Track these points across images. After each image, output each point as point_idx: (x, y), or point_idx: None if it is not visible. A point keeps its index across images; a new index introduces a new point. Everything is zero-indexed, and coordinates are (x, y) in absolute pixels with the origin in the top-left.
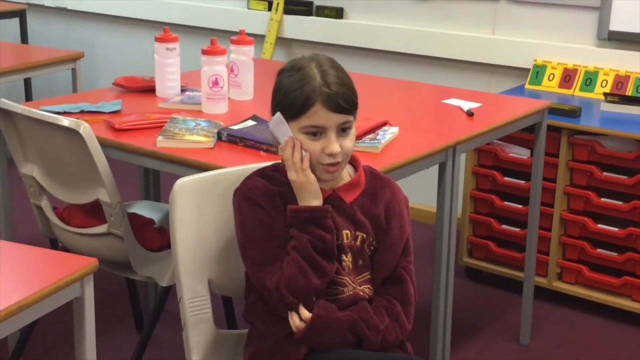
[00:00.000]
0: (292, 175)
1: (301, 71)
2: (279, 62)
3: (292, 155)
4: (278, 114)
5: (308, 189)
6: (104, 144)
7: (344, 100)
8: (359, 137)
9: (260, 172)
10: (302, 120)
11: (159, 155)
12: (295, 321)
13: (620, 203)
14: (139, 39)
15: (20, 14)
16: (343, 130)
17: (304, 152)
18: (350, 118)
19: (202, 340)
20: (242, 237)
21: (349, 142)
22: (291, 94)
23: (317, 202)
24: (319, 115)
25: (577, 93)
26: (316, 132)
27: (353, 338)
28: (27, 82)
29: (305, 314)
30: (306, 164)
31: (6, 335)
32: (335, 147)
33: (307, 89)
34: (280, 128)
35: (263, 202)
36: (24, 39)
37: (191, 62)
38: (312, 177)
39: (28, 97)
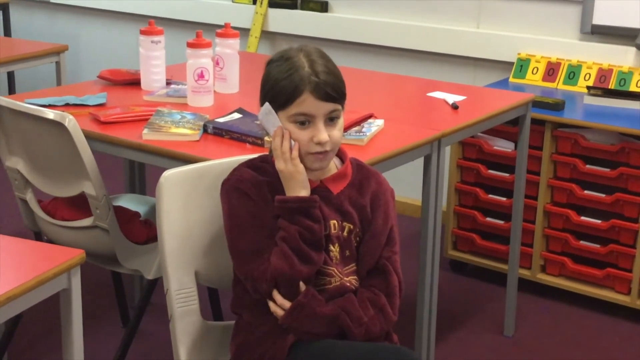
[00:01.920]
0: (280, 164)
1: (289, 60)
2: (264, 56)
3: (281, 145)
4: (267, 105)
5: (297, 178)
6: (89, 137)
7: (332, 89)
8: (344, 130)
9: (248, 163)
10: (291, 108)
11: (144, 148)
12: (271, 305)
13: (603, 195)
14: (123, 32)
15: (3, 7)
16: (331, 119)
17: (292, 142)
18: (339, 107)
19: (189, 332)
20: (231, 228)
21: (337, 132)
22: (280, 82)
23: (305, 192)
24: (308, 103)
25: (561, 86)
26: (305, 121)
27: (336, 329)
28: (10, 76)
29: (285, 304)
30: (295, 153)
31: None
32: (324, 136)
33: (296, 78)
34: (269, 118)
35: (251, 193)
36: (7, 32)
37: (176, 55)
38: (301, 166)
39: (11, 91)
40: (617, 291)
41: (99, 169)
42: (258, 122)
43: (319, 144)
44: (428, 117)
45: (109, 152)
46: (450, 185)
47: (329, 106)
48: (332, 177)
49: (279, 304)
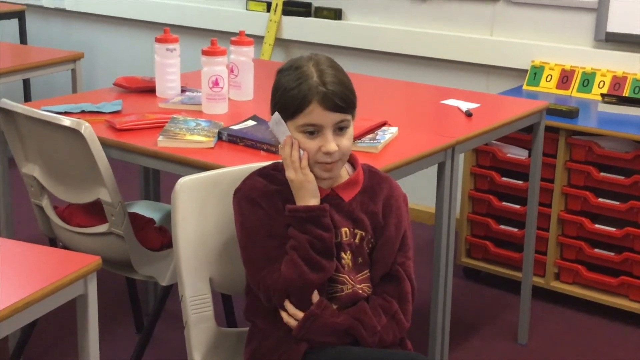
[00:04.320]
0: (290, 174)
1: (299, 70)
2: (277, 63)
3: (290, 154)
4: (276, 114)
5: (306, 187)
6: (105, 144)
7: (340, 99)
8: (358, 137)
9: (260, 172)
10: (299, 119)
11: (160, 155)
12: (283, 316)
13: (618, 203)
14: (138, 39)
15: (19, 15)
16: (340, 129)
17: (302, 151)
18: (347, 117)
19: (204, 339)
20: (243, 237)
21: (346, 141)
22: (288, 92)
23: (315, 201)
24: (315, 114)
25: (575, 94)
26: (313, 131)
27: (349, 338)
28: (26, 83)
29: (298, 313)
30: (305, 162)
31: (7, 335)
32: (332, 146)
33: (304, 88)
34: (279, 127)
35: (263, 202)
36: (23, 39)
37: (190, 63)
38: (310, 175)
39: (27, 98)
40: (632, 299)
41: (114, 175)
42: (269, 129)
43: (327, 153)
44: (442, 124)
45: (124, 159)
46: (463, 192)
47: (337, 116)
48: (344, 184)
49: (292, 314)
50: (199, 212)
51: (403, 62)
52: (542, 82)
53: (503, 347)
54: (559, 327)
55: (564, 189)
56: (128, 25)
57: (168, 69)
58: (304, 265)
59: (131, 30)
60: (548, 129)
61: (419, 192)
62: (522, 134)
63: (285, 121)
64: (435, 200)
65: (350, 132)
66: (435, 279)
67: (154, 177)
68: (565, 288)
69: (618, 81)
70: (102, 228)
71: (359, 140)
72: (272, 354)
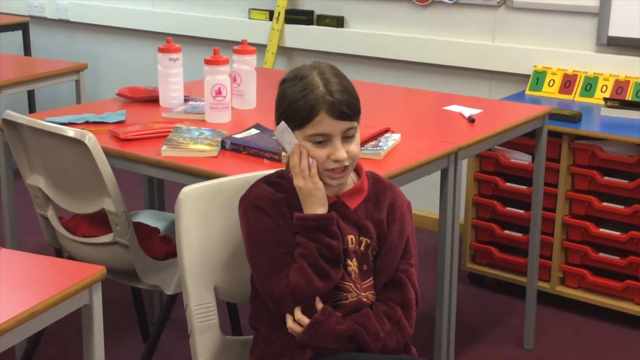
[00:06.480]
0: (299, 182)
1: (304, 80)
2: (280, 72)
3: (299, 163)
4: (282, 123)
5: (315, 195)
6: (109, 154)
7: (348, 107)
8: (361, 144)
9: (265, 180)
10: (308, 129)
11: (163, 165)
12: (288, 321)
13: (622, 207)
14: (141, 50)
15: (23, 27)
16: (348, 136)
17: (310, 159)
18: (354, 124)
19: (209, 347)
20: (250, 245)
21: (354, 147)
22: (295, 103)
23: (323, 209)
24: (324, 123)
25: (577, 98)
26: (322, 140)
27: (353, 344)
28: (31, 94)
29: (303, 319)
30: (314, 170)
31: (13, 345)
32: (342, 154)
33: (311, 98)
34: (286, 136)
35: (270, 210)
36: (27, 51)
37: (194, 72)
38: (320, 184)
39: (31, 109)
40: (637, 303)
41: (119, 185)
42: (274, 138)
43: (337, 161)
44: (444, 130)
45: (128, 169)
46: (467, 198)
47: (345, 124)
48: (349, 192)
49: (297, 319)
50: (203, 220)
51: (405, 68)
52: (545, 87)
53: (509, 352)
54: (564, 332)
55: (568, 193)
56: (131, 35)
57: (171, 78)
58: (312, 274)
59: (134, 41)
60: (551, 133)
61: (422, 198)
62: (525, 139)
63: (292, 131)
64: (439, 206)
65: (357, 137)
66: (440, 284)
67: (158, 187)
68: (570, 293)
69: (620, 85)
70: (107, 238)
71: (362, 147)
72: None
